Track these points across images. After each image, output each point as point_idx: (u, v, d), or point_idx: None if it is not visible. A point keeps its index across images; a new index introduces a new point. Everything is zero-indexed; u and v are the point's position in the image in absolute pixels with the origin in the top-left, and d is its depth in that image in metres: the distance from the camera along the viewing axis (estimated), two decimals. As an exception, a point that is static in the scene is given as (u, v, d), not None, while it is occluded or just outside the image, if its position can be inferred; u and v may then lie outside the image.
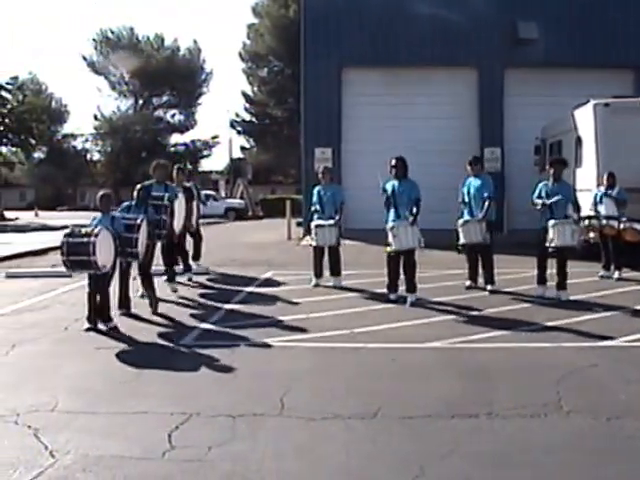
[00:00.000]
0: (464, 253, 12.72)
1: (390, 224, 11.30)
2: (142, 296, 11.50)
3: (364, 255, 16.88)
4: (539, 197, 11.87)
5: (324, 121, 24.45)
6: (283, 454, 5.19)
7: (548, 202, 11.66)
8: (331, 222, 12.73)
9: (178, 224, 12.64)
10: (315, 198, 13.23)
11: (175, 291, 12.43)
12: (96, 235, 8.99)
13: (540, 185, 12.01)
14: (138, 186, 10.83)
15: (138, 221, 9.99)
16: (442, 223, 16.62)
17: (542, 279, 11.98)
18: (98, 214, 9.84)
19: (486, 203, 12.07)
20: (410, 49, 23.95)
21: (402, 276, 11.56)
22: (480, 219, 12.03)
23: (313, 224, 12.90)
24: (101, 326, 9.38)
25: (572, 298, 11.38)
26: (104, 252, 9.11)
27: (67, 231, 9.23)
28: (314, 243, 12.89)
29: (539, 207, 11.82)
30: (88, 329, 9.33)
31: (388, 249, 11.42)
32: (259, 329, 9.37)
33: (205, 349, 8.35)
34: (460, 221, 12.19)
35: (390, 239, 11.24)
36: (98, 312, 9.43)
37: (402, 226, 11.13)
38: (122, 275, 10.32)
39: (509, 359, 7.82)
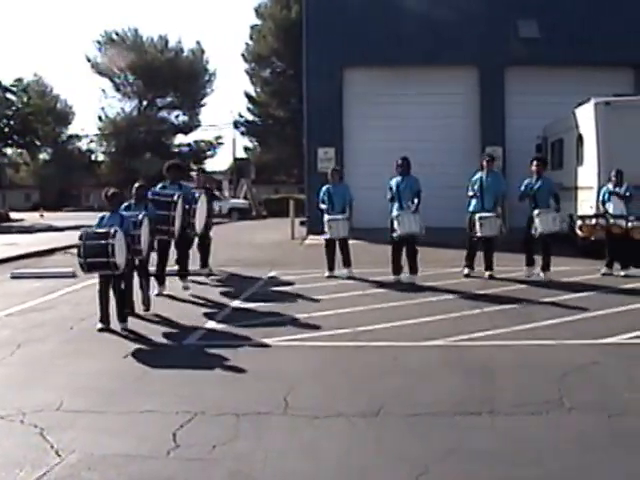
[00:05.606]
0: (470, 243, 13.72)
1: (395, 213, 13.04)
2: (158, 294, 11.87)
3: (367, 253, 16.91)
4: (525, 192, 13.36)
5: (326, 121, 24.44)
6: (287, 452, 5.22)
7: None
8: (344, 216, 13.72)
9: (200, 224, 13.00)
10: (325, 196, 14.02)
11: (187, 289, 12.58)
12: (113, 236, 9.06)
13: (525, 182, 13.49)
14: (136, 184, 10.93)
15: (140, 217, 10.08)
16: (440, 221, 16.76)
17: (530, 261, 13.42)
18: (104, 213, 9.90)
19: (501, 199, 13.69)
20: (411, 48, 23.88)
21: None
22: (499, 214, 13.38)
23: (326, 218, 13.78)
24: (122, 325, 9.48)
25: (575, 296, 11.35)
26: (120, 252, 9.19)
27: (82, 233, 9.27)
28: (327, 236, 13.84)
29: (524, 200, 13.38)
30: (101, 329, 9.38)
31: (394, 235, 12.97)
32: (263, 328, 9.40)
33: (209, 348, 8.41)
34: (478, 215, 13.21)
35: (395, 226, 12.93)
36: (122, 311, 9.56)
37: (406, 214, 12.92)
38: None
39: (511, 357, 7.85)
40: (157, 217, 11.09)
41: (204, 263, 14.69)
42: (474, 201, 13.51)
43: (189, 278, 13.18)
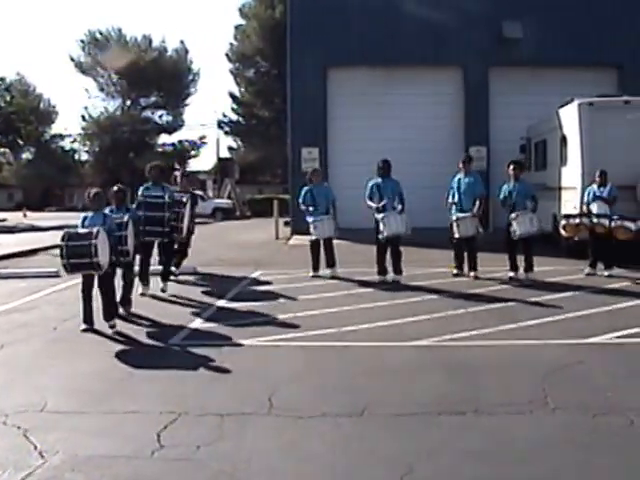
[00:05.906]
0: (454, 244, 13.76)
1: (381, 215, 13.02)
2: (142, 294, 11.88)
3: (352, 253, 16.91)
4: (505, 197, 13.46)
5: (310, 121, 24.45)
6: (271, 453, 5.21)
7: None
8: (329, 216, 13.74)
9: (185, 228, 12.97)
10: (308, 198, 13.99)
11: (164, 291, 12.43)
12: (96, 237, 9.00)
13: (504, 187, 13.66)
14: (114, 188, 10.80)
15: (125, 219, 10.02)
16: (424, 221, 16.80)
17: (513, 266, 13.35)
18: (87, 213, 9.83)
19: (479, 200, 13.41)
20: (395, 48, 23.92)
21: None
22: (475, 215, 13.36)
23: (311, 219, 13.76)
24: (112, 322, 9.42)
25: (559, 296, 11.41)
26: (103, 252, 9.13)
27: (64, 235, 9.19)
28: (313, 237, 13.89)
29: (507, 206, 13.41)
30: (85, 330, 9.32)
31: (380, 237, 13.00)
32: (247, 328, 9.40)
33: (194, 348, 8.38)
34: (455, 216, 13.35)
35: (381, 227, 12.97)
36: (109, 310, 9.49)
37: (392, 215, 12.97)
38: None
39: (496, 356, 7.88)
40: (149, 218, 11.13)
41: (177, 264, 14.34)
42: (456, 205, 13.56)
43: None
